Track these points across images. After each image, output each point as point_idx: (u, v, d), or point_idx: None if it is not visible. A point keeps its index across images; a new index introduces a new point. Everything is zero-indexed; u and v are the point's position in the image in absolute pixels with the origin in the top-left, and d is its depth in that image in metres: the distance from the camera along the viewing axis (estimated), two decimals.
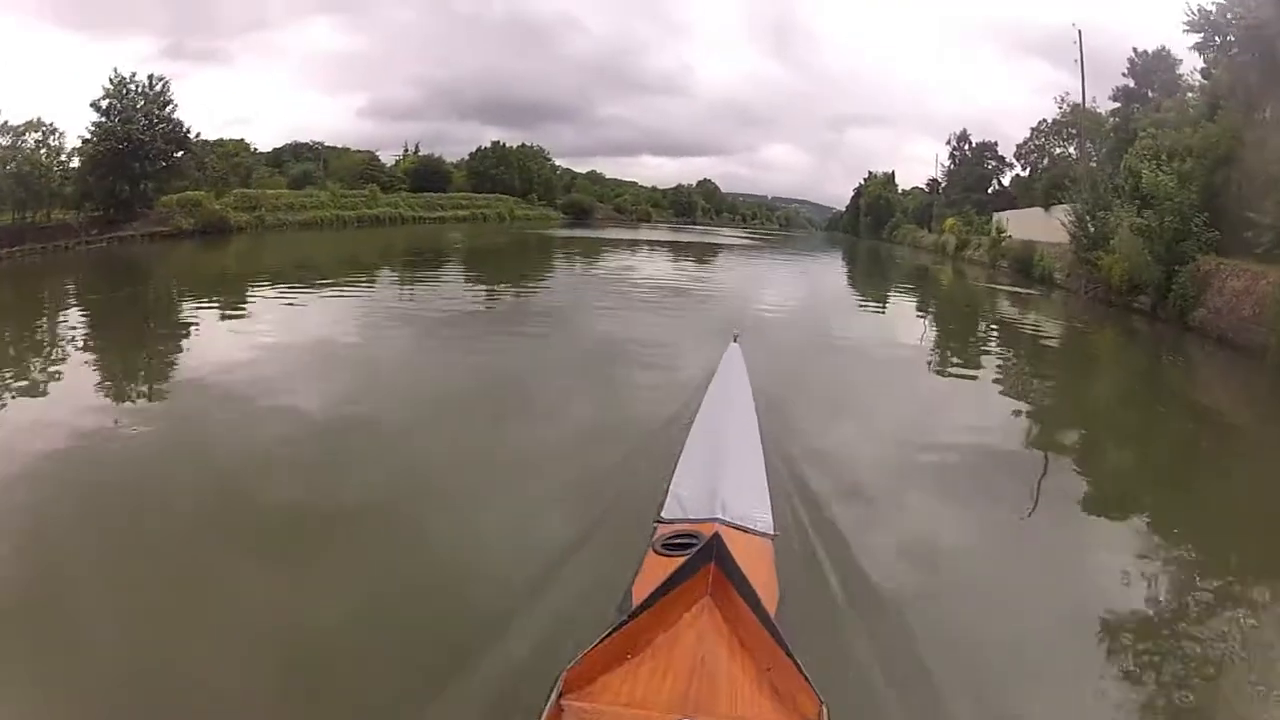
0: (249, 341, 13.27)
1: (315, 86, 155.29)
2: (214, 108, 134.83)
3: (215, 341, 13.91)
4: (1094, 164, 50.20)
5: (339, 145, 77.93)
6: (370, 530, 6.26)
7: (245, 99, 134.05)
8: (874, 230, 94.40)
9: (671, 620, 3.58)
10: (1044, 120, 53.90)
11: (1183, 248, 22.16)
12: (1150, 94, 42.00)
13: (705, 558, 3.77)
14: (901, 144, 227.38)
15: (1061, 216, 40.80)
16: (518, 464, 7.91)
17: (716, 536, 3.91)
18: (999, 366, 16.93)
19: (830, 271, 49.80)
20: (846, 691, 3.87)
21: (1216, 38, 27.21)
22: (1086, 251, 28.94)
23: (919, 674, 4.53)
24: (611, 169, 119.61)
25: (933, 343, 20.59)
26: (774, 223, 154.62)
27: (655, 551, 4.51)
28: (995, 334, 22.61)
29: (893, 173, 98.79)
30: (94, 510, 6.39)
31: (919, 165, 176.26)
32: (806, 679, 3.22)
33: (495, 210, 75.91)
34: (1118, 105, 43.17)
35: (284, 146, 76.33)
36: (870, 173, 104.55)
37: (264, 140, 74.64)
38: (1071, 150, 52.87)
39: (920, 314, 27.63)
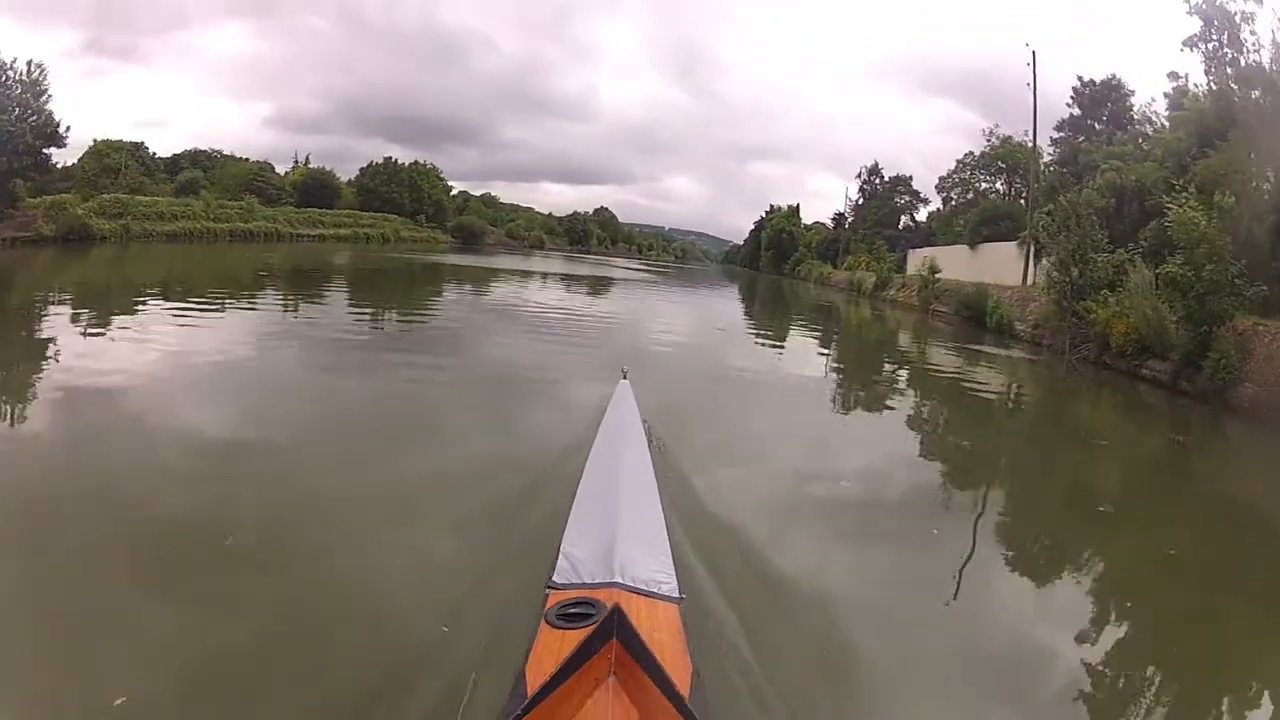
0: (119, 360, 12.21)
1: (225, 93, 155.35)
2: (130, 108, 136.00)
3: (85, 359, 12.15)
4: (1023, 200, 47.56)
5: (239, 155, 74.63)
6: (260, 557, 5.86)
7: (160, 101, 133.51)
8: (775, 265, 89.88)
9: (572, 708, 3.08)
10: (970, 153, 50.32)
11: (1220, 304, 17.18)
12: (1097, 125, 38.08)
13: (606, 634, 3.21)
14: (803, 178, 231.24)
15: (1003, 253, 38.34)
16: (405, 497, 7.31)
17: (617, 609, 3.33)
18: (972, 453, 12.40)
19: (731, 311, 41.70)
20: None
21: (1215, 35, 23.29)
22: (1072, 300, 23.51)
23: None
24: (511, 194, 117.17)
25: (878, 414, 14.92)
26: (670, 254, 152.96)
27: (549, 624, 3.93)
28: (956, 407, 16.16)
29: (797, 206, 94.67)
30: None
31: (820, 201, 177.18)
32: None
33: (380, 230, 70.04)
34: (1060, 135, 39.13)
35: (183, 153, 72.34)
36: (773, 205, 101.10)
37: (174, 145, 75.24)
38: (998, 185, 49.38)
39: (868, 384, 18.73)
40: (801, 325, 33.81)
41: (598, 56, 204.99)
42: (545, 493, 6.85)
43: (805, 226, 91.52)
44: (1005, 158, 48.18)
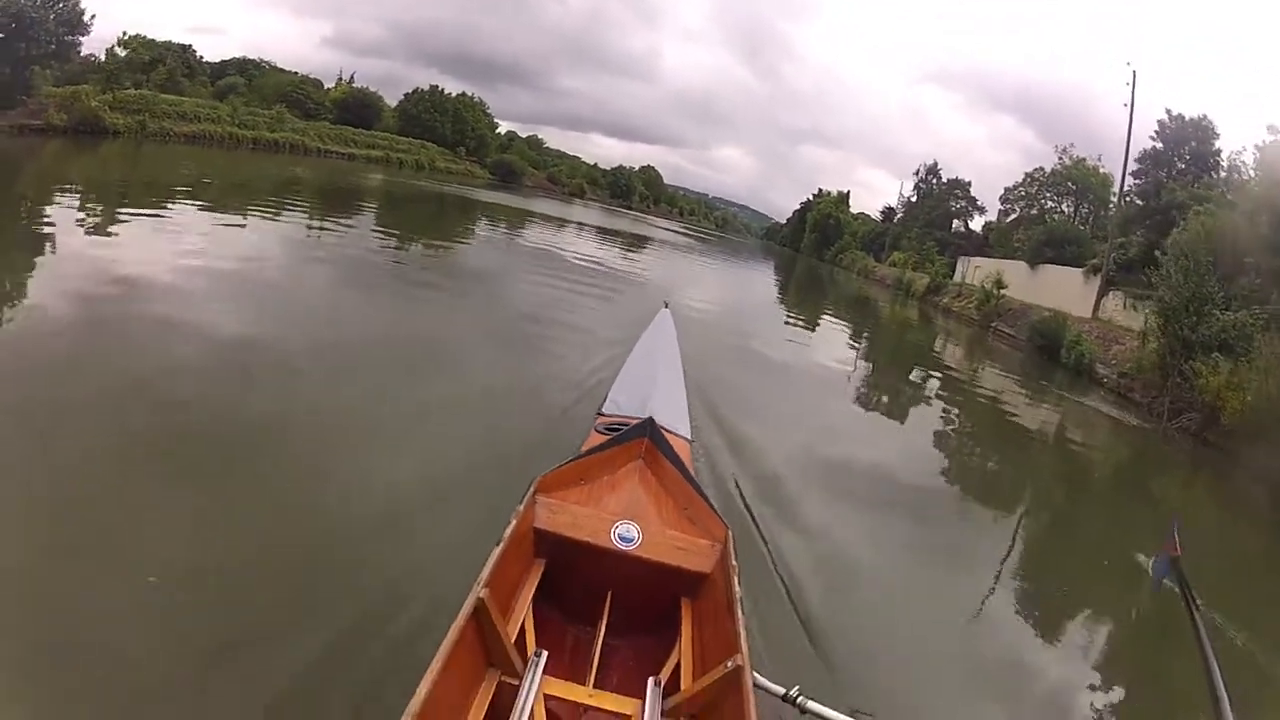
0: (133, 257, 12.05)
1: (285, 6, 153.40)
2: (185, 11, 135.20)
3: (103, 255, 12.04)
4: (1087, 225, 45.93)
5: (290, 69, 72.79)
6: (284, 458, 6.10)
7: (217, 7, 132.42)
8: (817, 249, 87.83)
9: (614, 467, 4.46)
10: (1040, 169, 48.45)
11: None
12: (1179, 163, 36.22)
13: (642, 431, 4.68)
14: (851, 169, 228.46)
15: (1066, 279, 36.51)
16: (438, 404, 7.92)
17: (650, 420, 4.78)
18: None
19: (769, 294, 40.10)
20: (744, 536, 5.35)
21: None
22: (1178, 358, 19.97)
23: (799, 532, 6.42)
24: (560, 141, 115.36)
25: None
26: (711, 222, 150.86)
27: (597, 431, 5.43)
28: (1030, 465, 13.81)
29: (847, 193, 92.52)
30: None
31: (866, 194, 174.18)
32: (716, 512, 4.19)
33: (415, 157, 68.05)
34: (1140, 167, 37.27)
35: (230, 60, 70.88)
36: (821, 189, 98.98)
37: (228, 53, 72.04)
38: (1063, 206, 47.62)
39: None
40: (845, 319, 31.99)
41: (666, 19, 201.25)
42: (594, 381, 8.80)
43: (851, 215, 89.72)
44: (1077, 179, 46.38)
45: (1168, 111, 36.99)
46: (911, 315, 40.54)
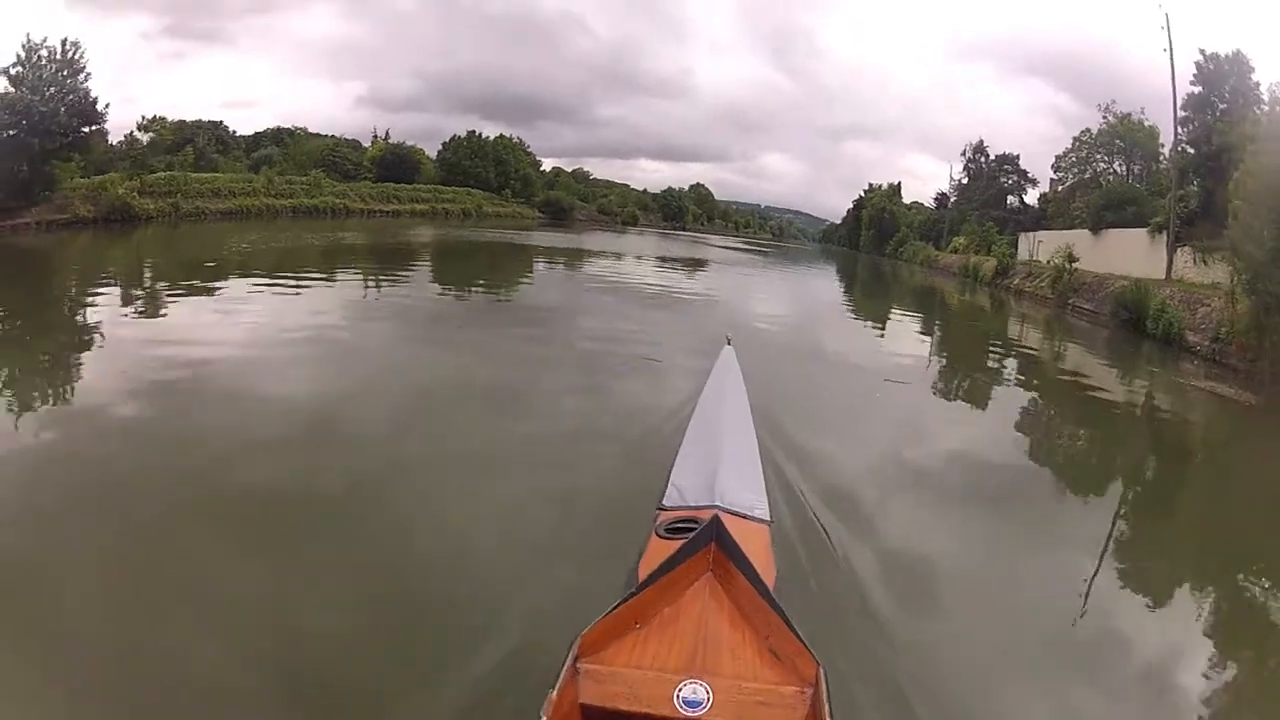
0: (191, 336, 12.36)
1: (316, 73, 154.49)
2: (216, 89, 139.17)
3: (173, 335, 12.54)
4: (1137, 185, 44.60)
5: (329, 134, 74.87)
6: (368, 519, 6.12)
7: (247, 83, 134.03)
8: (876, 245, 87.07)
9: (676, 594, 3.87)
10: (1087, 130, 47.35)
11: None
12: (1220, 104, 34.96)
13: (707, 538, 4.08)
14: (895, 159, 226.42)
15: (1131, 240, 35.47)
16: (519, 454, 7.93)
17: (716, 519, 4.21)
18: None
19: (841, 303, 38.46)
20: (843, 659, 4.23)
21: None
22: (1273, 316, 18.01)
23: (908, 649, 4.88)
24: (607, 171, 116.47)
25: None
26: (767, 232, 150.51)
27: (658, 535, 4.77)
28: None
29: (898, 184, 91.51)
30: (76, 501, 6.03)
31: (916, 181, 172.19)
32: (804, 644, 3.51)
33: (461, 205, 68.87)
34: (1186, 115, 36.04)
35: (265, 131, 73.44)
36: (871, 184, 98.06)
37: (262, 125, 74.23)
38: (1115, 166, 46.48)
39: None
40: (914, 312, 32.20)
41: (692, 37, 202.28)
42: (660, 434, 7.95)
43: (905, 206, 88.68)
44: (1125, 136, 45.19)
45: (1202, 52, 35.49)
46: (982, 301, 39.79)
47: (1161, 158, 44.10)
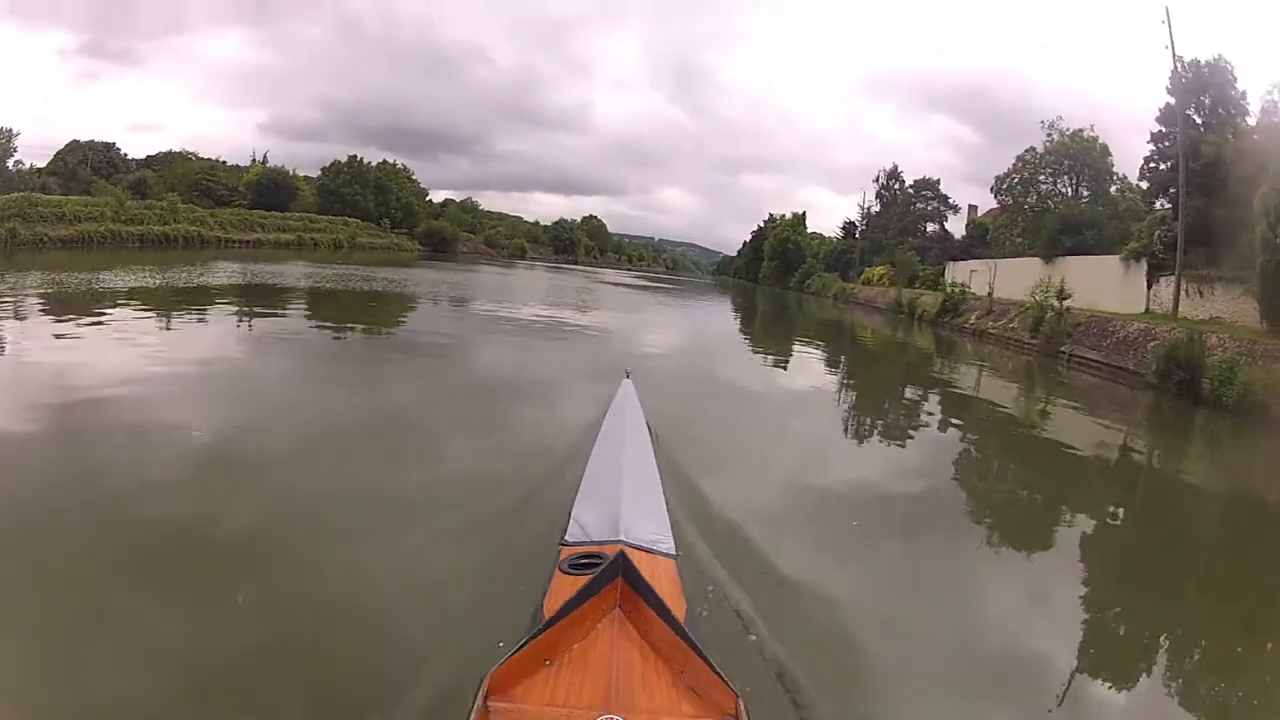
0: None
1: (221, 99, 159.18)
2: (125, 111, 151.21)
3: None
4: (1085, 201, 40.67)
5: (232, 161, 72.53)
6: (268, 557, 5.95)
7: (156, 106, 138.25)
8: (779, 277, 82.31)
9: (584, 630, 3.67)
10: (1031, 149, 42.85)
11: None
12: (1197, 117, 30.77)
13: (612, 573, 3.80)
14: (794, 191, 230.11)
15: (1099, 269, 30.42)
16: (415, 490, 7.65)
17: (621, 554, 3.89)
18: None
19: (731, 333, 34.59)
20: (759, 690, 4.10)
21: None
22: None
23: (825, 676, 4.78)
24: (503, 204, 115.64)
25: None
26: (661, 265, 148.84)
27: (562, 572, 4.49)
28: None
29: (803, 214, 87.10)
30: None
31: (814, 214, 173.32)
32: (720, 676, 3.35)
33: (332, 236, 62.29)
34: (1160, 130, 31.88)
35: (155, 155, 70.54)
36: (772, 215, 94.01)
37: (166, 148, 72.02)
38: (1060, 186, 42.44)
39: None
40: (841, 363, 24.45)
41: (594, 71, 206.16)
42: (558, 470, 7.39)
43: (810, 237, 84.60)
44: (1076, 154, 40.97)
45: (1179, 59, 31.29)
46: (929, 346, 32.82)
47: (1118, 177, 40.22)
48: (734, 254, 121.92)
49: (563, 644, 3.55)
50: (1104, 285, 29.74)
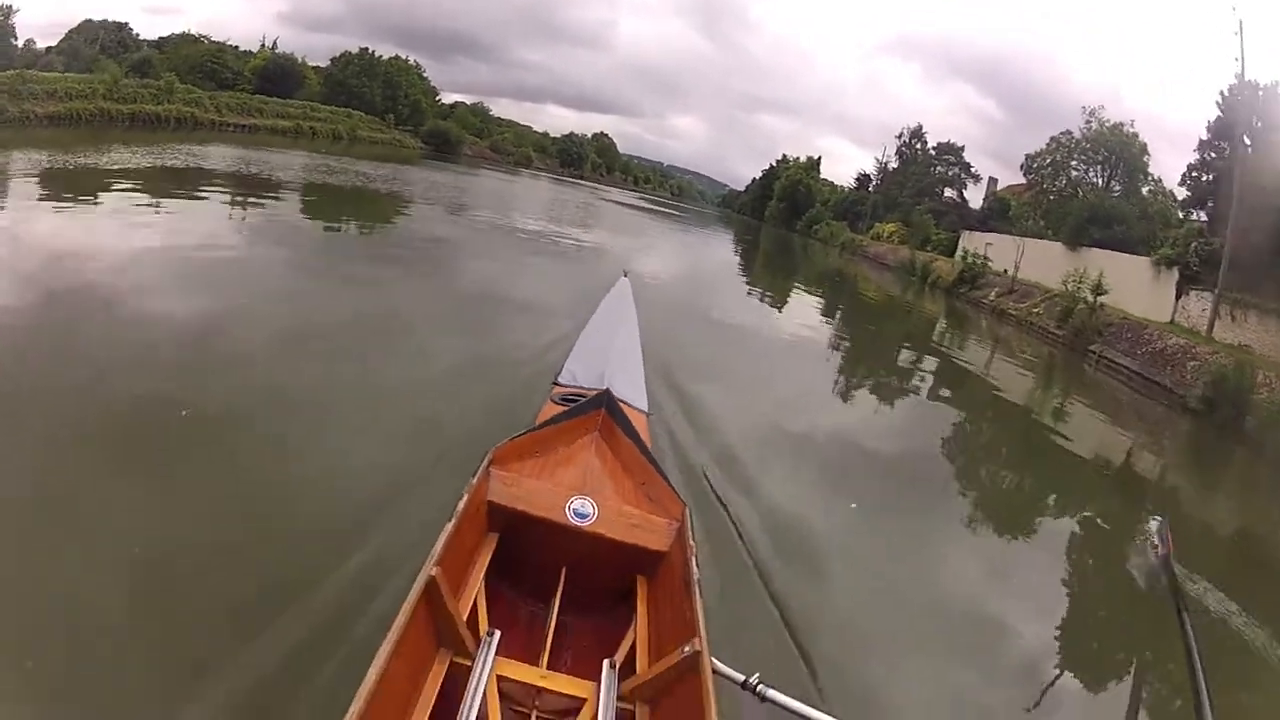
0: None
1: None
2: None
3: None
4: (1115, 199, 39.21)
5: (229, 43, 67.93)
6: (255, 432, 6.12)
7: None
8: (786, 220, 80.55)
9: (569, 440, 4.40)
10: (1067, 132, 41.27)
11: None
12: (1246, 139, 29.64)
13: (598, 404, 4.61)
14: (811, 138, 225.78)
15: (1124, 267, 28.51)
16: (421, 375, 8.18)
17: (608, 392, 4.71)
18: None
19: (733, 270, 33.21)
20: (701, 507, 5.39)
21: None
22: None
23: (752, 497, 6.33)
24: (516, 112, 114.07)
25: None
26: (666, 190, 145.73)
27: (553, 402, 5.34)
28: None
29: (818, 158, 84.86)
30: None
31: (829, 161, 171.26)
32: (674, 490, 4.14)
33: (332, 126, 59.52)
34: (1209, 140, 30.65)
35: (167, 37, 65.99)
36: (785, 155, 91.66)
37: (179, 29, 67.07)
38: (1090, 176, 41.00)
39: None
40: (859, 333, 21.79)
41: None
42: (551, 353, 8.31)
43: (823, 183, 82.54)
44: (1113, 147, 39.39)
45: (1236, 77, 30.09)
46: (942, 315, 31.70)
47: (1151, 179, 38.97)
48: (741, 189, 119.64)
49: (551, 445, 4.29)
50: (1130, 285, 28.36)
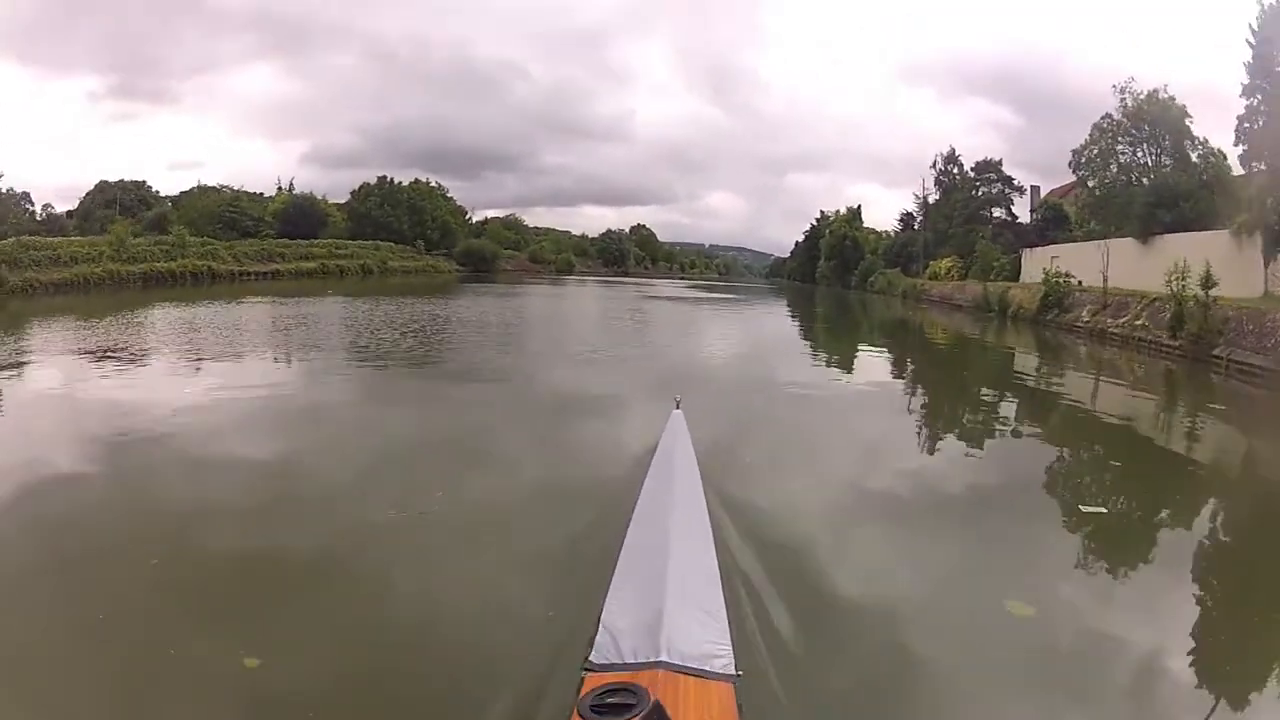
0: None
1: (259, 132, 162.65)
2: (164, 151, 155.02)
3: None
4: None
5: (243, 189, 69.78)
6: (341, 583, 5.68)
7: (193, 143, 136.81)
8: (839, 276, 78.57)
9: None
10: (1108, 116, 38.79)
11: None
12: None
13: None
14: (842, 187, 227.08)
15: (1201, 248, 24.94)
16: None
17: (656, 705, 3.01)
18: None
19: (799, 349, 28.31)
20: None
21: None
22: None
23: None
24: (551, 219, 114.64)
25: None
26: (713, 271, 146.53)
27: (581, 717, 3.30)
28: None
29: (858, 207, 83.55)
30: (36, 574, 5.56)
31: (865, 208, 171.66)
32: None
33: (360, 262, 58.94)
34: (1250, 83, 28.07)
35: (190, 190, 69.23)
36: (823, 212, 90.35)
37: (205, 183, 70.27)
38: (1140, 156, 38.51)
39: None
40: (949, 394, 17.97)
41: (631, 79, 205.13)
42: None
43: (867, 231, 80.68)
44: (1154, 119, 36.83)
45: (1260, 3, 27.54)
46: (1038, 351, 27.11)
47: (1200, 142, 36.27)
48: (785, 255, 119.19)
49: None
50: (1215, 266, 24.05)
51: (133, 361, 15.38)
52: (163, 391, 12.75)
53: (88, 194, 68.59)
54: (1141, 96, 37.69)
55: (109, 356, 15.70)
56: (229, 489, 7.53)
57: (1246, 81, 28.25)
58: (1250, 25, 27.66)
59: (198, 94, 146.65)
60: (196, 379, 14.04)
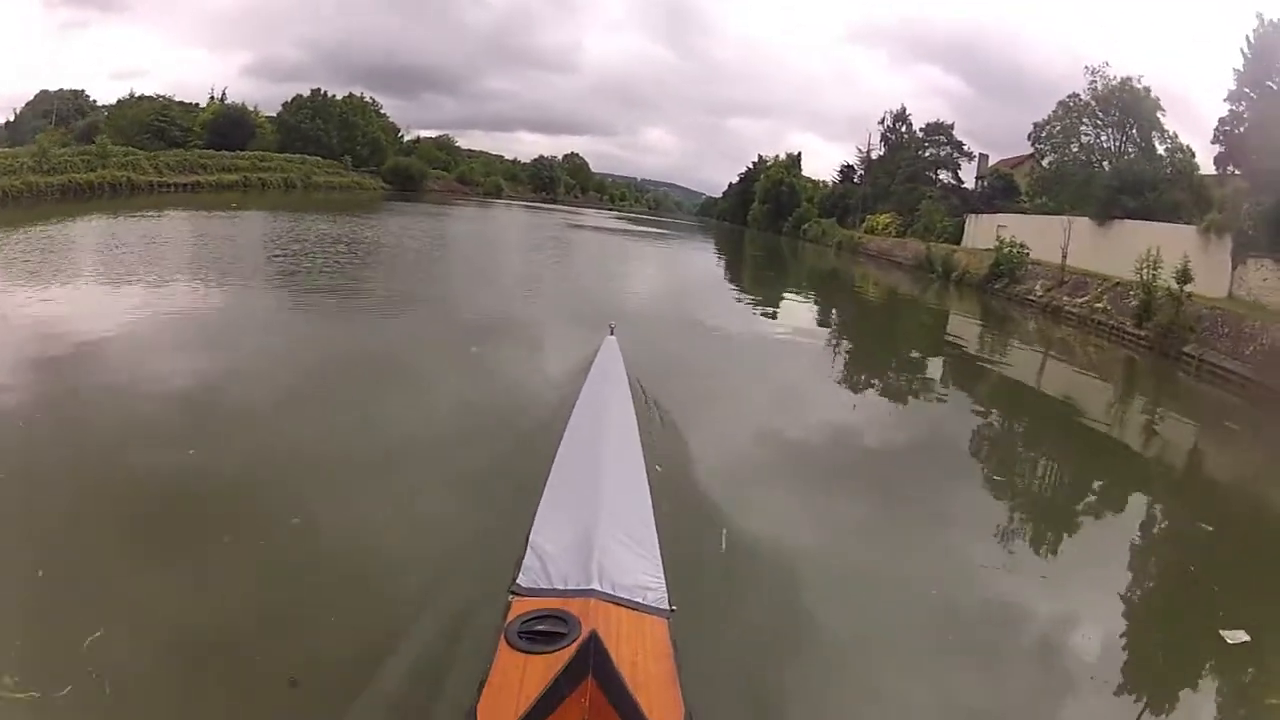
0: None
1: (205, 43, 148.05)
2: (110, 59, 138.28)
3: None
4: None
5: (173, 97, 65.31)
6: (263, 503, 5.83)
7: (140, 52, 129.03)
8: (772, 222, 77.40)
9: None
10: (1075, 95, 38.19)
11: None
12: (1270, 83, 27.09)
13: (580, 672, 2.71)
14: (784, 135, 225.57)
15: (1163, 239, 24.34)
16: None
17: (593, 637, 2.80)
18: None
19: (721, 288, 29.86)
20: None
21: None
22: None
23: None
24: (488, 143, 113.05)
25: None
26: (643, 205, 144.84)
27: (509, 643, 3.27)
28: None
29: (798, 154, 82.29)
30: None
31: (805, 157, 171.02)
32: None
33: (284, 175, 56.12)
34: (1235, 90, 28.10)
35: (126, 99, 64.11)
36: (761, 156, 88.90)
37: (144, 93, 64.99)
38: (1104, 140, 38.13)
39: None
40: (891, 358, 18.29)
41: (585, 10, 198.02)
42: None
43: (806, 180, 79.60)
44: (1125, 105, 36.39)
45: (1259, 17, 27.45)
46: (987, 321, 27.09)
47: (1169, 135, 35.99)
48: (718, 196, 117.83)
49: None
50: (1176, 261, 24.23)
51: None
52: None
53: (27, 105, 64.64)
54: (1114, 82, 37.16)
55: None
56: (148, 415, 7.53)
57: (1233, 88, 28.09)
58: (1246, 37, 27.82)
59: (147, 2, 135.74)
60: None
